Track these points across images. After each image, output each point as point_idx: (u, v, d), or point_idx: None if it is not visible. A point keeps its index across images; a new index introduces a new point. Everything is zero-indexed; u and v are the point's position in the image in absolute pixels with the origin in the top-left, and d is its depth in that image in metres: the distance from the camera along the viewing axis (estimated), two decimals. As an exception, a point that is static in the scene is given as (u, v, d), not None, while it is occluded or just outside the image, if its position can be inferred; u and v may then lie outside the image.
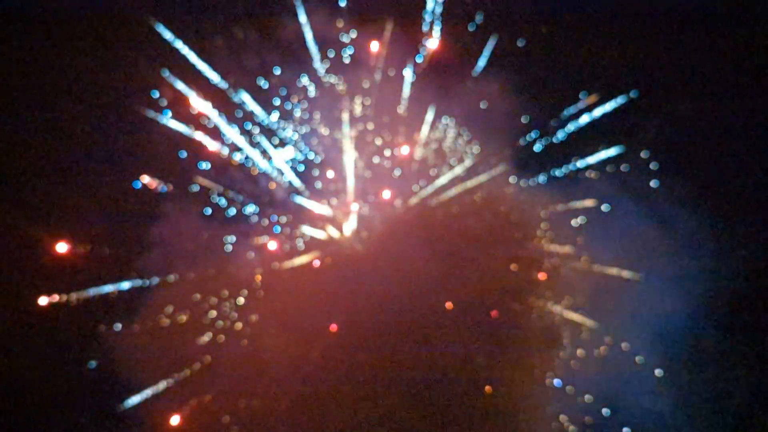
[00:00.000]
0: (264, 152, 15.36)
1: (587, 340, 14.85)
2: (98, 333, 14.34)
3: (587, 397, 14.64)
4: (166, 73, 14.27)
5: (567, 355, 14.80)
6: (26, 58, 14.11)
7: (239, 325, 14.93)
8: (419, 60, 15.28)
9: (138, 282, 14.65)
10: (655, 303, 14.40)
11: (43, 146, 14.35)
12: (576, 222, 15.04)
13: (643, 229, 14.49)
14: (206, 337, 14.79)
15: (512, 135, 15.27)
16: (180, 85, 14.43)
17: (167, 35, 14.27)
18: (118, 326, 14.38)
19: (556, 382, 14.70)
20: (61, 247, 14.13)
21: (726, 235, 14.69)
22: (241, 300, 15.08)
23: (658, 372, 14.50)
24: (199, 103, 14.66)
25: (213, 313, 14.92)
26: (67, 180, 14.54)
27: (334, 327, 15.02)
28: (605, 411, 14.55)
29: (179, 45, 14.35)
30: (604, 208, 14.90)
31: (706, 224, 14.56)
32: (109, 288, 14.47)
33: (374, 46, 15.02)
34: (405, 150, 15.60)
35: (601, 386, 14.61)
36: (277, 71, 15.00)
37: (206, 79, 14.67)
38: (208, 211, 15.08)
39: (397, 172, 15.65)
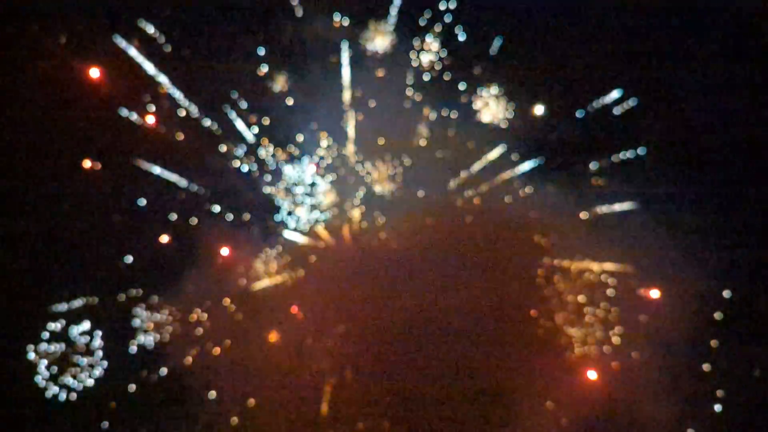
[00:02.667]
0: (260, 157, 15.04)
1: (593, 342, 14.94)
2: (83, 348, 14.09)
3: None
4: (159, 76, 13.87)
5: (575, 357, 14.87)
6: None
7: (232, 339, 14.75)
8: (422, 58, 14.99)
9: (128, 293, 14.39)
10: (660, 307, 14.49)
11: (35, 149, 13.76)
12: (582, 227, 14.96)
13: (651, 234, 14.47)
14: (196, 351, 14.60)
15: (517, 137, 15.04)
16: (171, 88, 14.05)
17: (162, 38, 13.81)
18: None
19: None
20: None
21: (729, 236, 14.75)
22: (232, 307, 14.87)
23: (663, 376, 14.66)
24: (191, 106, 14.29)
25: (206, 325, 14.73)
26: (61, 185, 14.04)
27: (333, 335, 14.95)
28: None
29: (172, 47, 13.92)
30: (613, 213, 14.85)
31: (710, 227, 14.58)
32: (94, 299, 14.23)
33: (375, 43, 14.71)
34: (408, 152, 15.32)
35: (605, 387, 14.74)
36: (276, 72, 14.65)
37: (201, 80, 14.29)
38: (203, 218, 14.82)
39: (400, 174, 15.34)
